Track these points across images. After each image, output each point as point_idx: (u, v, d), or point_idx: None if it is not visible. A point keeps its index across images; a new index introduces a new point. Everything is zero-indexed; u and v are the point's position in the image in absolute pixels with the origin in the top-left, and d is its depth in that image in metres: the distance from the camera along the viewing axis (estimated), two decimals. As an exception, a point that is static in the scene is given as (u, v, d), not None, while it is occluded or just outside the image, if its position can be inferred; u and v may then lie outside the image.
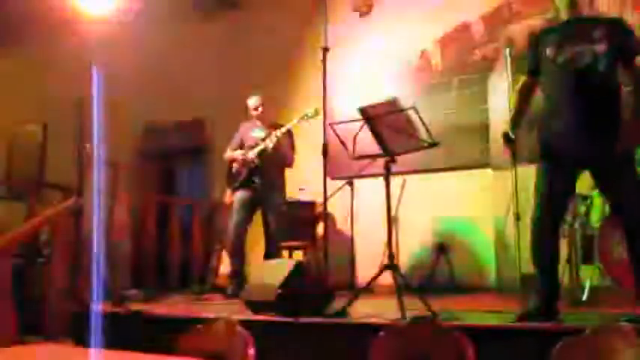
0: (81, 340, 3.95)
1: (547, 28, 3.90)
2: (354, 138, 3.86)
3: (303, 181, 6.29)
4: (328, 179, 6.66)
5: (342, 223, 6.54)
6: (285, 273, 3.93)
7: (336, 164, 6.56)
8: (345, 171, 6.48)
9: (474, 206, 5.76)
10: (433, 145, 3.77)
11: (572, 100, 3.44)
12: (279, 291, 3.85)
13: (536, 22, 6.00)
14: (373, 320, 3.56)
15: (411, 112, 3.68)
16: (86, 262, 4.95)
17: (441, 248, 5.95)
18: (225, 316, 2.91)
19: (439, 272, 5.90)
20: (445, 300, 4.65)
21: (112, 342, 3.09)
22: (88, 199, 5.16)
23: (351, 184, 6.07)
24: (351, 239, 6.24)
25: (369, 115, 3.73)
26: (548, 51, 3.51)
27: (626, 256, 3.86)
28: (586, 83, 3.41)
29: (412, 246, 6.14)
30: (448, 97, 6.27)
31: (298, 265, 4.02)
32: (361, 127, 3.81)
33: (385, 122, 3.70)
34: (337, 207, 6.43)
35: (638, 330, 2.78)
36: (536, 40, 3.67)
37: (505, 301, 4.70)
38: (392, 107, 3.72)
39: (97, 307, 4.10)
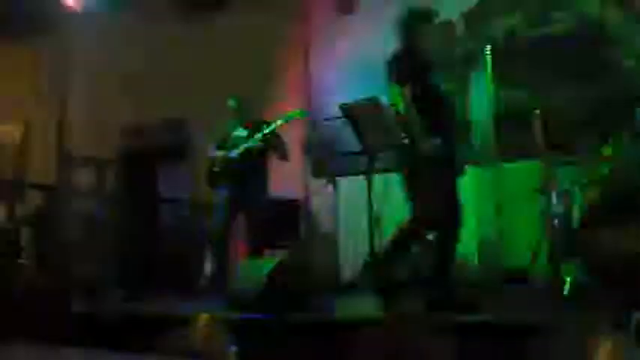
0: (62, 340, 3.92)
1: None
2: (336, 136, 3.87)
3: (286, 179, 6.29)
4: (312, 177, 6.84)
5: (326, 222, 6.54)
6: (268, 271, 3.93)
7: (320, 163, 6.63)
8: (329, 169, 6.52)
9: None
10: (411, 143, 3.78)
11: None
12: (263, 289, 3.85)
13: (517, 20, 6.05)
14: (357, 317, 3.58)
15: (391, 110, 3.69)
16: (67, 262, 4.94)
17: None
18: (207, 314, 2.92)
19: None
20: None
21: (92, 342, 3.08)
22: (68, 199, 5.14)
23: (334, 182, 6.06)
24: (336, 237, 6.24)
25: (351, 113, 3.73)
26: None
27: (608, 251, 3.95)
28: None
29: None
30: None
31: (281, 263, 4.02)
32: (343, 126, 3.82)
33: (366, 120, 3.71)
34: (321, 205, 6.45)
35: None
36: None
37: (488, 295, 4.74)
38: (373, 105, 3.72)
39: (79, 306, 4.08)
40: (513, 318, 3.41)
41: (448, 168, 3.98)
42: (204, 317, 2.78)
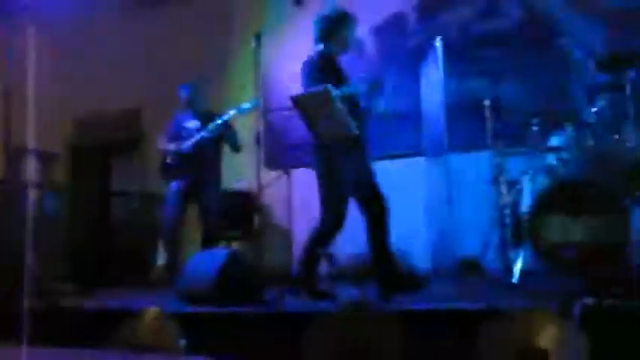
0: (7, 338, 3.83)
1: None
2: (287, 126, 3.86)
3: (239, 170, 6.24)
4: (265, 169, 6.81)
5: (280, 213, 6.53)
6: (220, 263, 3.90)
7: (273, 154, 6.62)
8: (282, 160, 6.51)
9: (409, 194, 5.81)
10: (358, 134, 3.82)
11: None
12: (214, 281, 3.82)
13: (468, 12, 6.12)
14: (307, 309, 3.58)
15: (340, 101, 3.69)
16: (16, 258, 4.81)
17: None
18: (155, 308, 2.88)
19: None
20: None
21: (39, 339, 3.00)
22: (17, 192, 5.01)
23: (288, 173, 6.07)
24: (290, 229, 6.24)
25: (301, 104, 3.72)
26: None
27: (557, 239, 4.05)
28: None
29: (352, 234, 6.15)
30: (385, 85, 6.31)
31: (233, 255, 3.99)
32: (293, 116, 3.81)
33: (316, 110, 3.70)
34: (275, 197, 6.43)
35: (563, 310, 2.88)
36: None
37: (440, 285, 4.81)
38: (323, 95, 3.72)
39: (25, 303, 3.98)
40: (464, 305, 3.45)
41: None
42: (152, 311, 2.74)
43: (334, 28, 4.46)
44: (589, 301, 3.01)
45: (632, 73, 4.67)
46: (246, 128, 5.56)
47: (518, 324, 2.63)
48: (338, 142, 3.93)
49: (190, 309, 3.83)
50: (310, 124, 3.75)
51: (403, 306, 3.57)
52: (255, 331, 3.48)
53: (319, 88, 3.77)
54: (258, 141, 4.31)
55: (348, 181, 4.19)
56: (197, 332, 3.32)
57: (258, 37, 4.48)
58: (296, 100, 3.72)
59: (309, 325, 2.74)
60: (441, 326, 3.23)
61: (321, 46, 4.44)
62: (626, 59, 4.87)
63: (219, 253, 4.29)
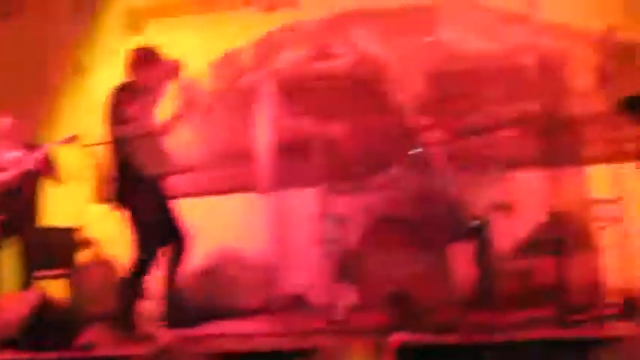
0: None
1: None
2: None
3: (65, 205, 5.93)
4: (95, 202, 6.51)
5: (107, 249, 6.25)
6: (29, 306, 3.65)
7: (103, 187, 6.34)
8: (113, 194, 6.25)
9: (240, 231, 5.79)
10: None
11: None
12: (22, 324, 3.56)
13: (302, 54, 6.29)
14: (115, 352, 3.43)
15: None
16: None
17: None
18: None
19: (218, 298, 5.82)
20: (215, 325, 4.66)
21: None
22: None
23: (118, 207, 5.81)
24: (116, 266, 5.98)
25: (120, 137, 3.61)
26: None
27: (379, 275, 4.21)
28: None
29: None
30: (217, 121, 6.30)
31: (43, 297, 3.75)
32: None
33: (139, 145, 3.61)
34: (103, 232, 6.15)
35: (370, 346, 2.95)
36: None
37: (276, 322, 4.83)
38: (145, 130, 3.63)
39: None
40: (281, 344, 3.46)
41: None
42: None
43: (138, 63, 4.39)
44: (404, 336, 3.11)
45: (449, 119, 5.02)
46: (72, 161, 5.31)
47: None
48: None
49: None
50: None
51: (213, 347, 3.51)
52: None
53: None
54: (78, 175, 4.11)
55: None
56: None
57: (80, 67, 4.30)
58: (115, 134, 3.60)
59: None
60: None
61: (126, 79, 4.38)
62: (444, 105, 5.20)
63: (29, 294, 4.01)
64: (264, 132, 4.91)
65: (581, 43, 5.49)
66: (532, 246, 4.63)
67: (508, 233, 4.66)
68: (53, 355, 3.42)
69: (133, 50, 4.44)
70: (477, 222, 4.70)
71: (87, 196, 6.41)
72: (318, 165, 5.01)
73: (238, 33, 6.45)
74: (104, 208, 5.78)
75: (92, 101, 6.59)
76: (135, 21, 6.84)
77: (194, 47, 6.49)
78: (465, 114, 5.08)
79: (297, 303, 5.32)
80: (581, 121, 4.52)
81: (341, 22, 6.26)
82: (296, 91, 6.06)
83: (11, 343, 3.65)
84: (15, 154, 5.32)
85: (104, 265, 6.08)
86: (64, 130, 5.45)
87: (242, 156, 5.94)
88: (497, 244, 4.55)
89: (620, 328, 3.34)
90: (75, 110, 4.44)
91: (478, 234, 4.66)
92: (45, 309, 3.74)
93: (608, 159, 3.74)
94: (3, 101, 5.93)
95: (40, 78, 6.65)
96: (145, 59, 4.42)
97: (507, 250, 4.70)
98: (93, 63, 6.60)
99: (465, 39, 5.89)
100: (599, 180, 4.19)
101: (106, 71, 6.73)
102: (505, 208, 4.64)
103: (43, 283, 5.69)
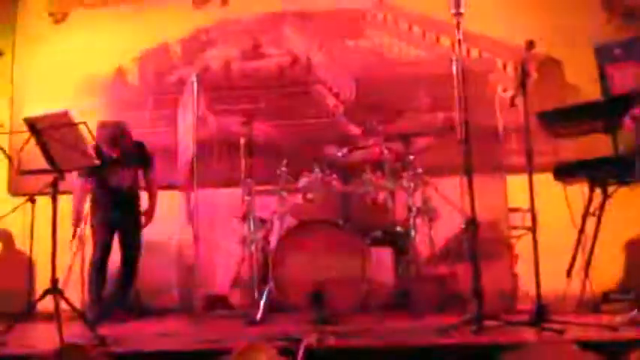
0: None
1: None
2: (21, 150, 3.58)
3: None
4: (9, 195, 6.27)
5: (20, 243, 6.04)
6: None
7: (19, 179, 6.12)
8: (29, 186, 6.04)
9: (161, 227, 5.68)
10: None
11: None
12: None
13: (232, 52, 6.24)
14: (23, 350, 3.29)
15: (82, 127, 3.51)
16: None
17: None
18: None
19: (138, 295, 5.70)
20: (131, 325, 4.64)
21: None
22: None
23: (33, 200, 5.61)
24: (30, 261, 5.77)
25: (36, 127, 3.47)
26: None
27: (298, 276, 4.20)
28: None
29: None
30: (143, 116, 6.18)
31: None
32: (27, 140, 3.54)
33: (54, 135, 3.48)
34: (17, 225, 5.93)
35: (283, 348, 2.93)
36: None
37: (185, 321, 4.76)
38: (62, 120, 3.51)
39: None
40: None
41: None
42: None
43: None
44: (313, 340, 3.10)
45: (375, 123, 5.06)
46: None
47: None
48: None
49: None
50: (45, 150, 3.51)
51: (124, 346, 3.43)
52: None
53: (59, 110, 3.56)
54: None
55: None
56: None
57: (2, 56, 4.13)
58: (30, 123, 3.46)
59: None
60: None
61: None
62: (370, 110, 5.25)
63: None
64: (189, 129, 4.82)
65: (503, 55, 5.66)
66: (450, 252, 4.72)
67: (428, 239, 4.73)
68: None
69: None
70: (398, 227, 4.76)
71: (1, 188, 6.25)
72: (243, 165, 4.97)
73: (167, 27, 6.34)
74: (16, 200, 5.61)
75: (9, 88, 6.41)
76: (59, 8, 6.64)
77: (120, 40, 6.36)
78: (390, 119, 5.13)
79: (217, 303, 5.25)
80: (502, 132, 4.64)
81: (272, 22, 6.24)
82: (224, 89, 6.01)
83: None
84: None
85: (17, 259, 5.88)
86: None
87: (166, 152, 5.85)
88: (417, 249, 4.61)
89: (531, 334, 3.43)
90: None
91: (399, 239, 4.72)
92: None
93: (525, 169, 3.86)
94: None
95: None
96: None
97: (426, 255, 4.77)
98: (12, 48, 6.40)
99: (393, 45, 5.97)
100: (516, 190, 4.30)
101: (28, 58, 6.53)
102: (426, 214, 4.70)
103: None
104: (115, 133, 4.99)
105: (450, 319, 3.65)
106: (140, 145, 5.21)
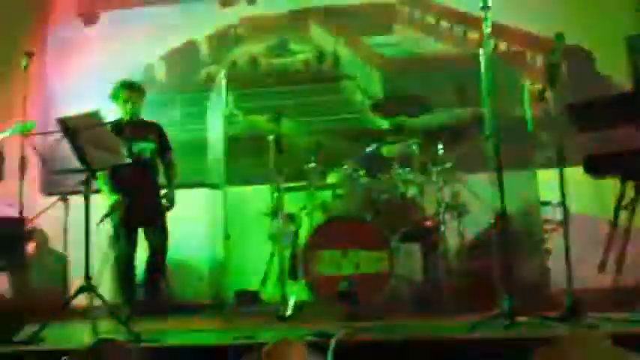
0: None
1: None
2: (53, 151, 3.64)
3: (11, 196, 5.79)
4: (41, 195, 6.38)
5: (54, 241, 6.13)
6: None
7: (50, 179, 6.24)
8: (61, 186, 6.15)
9: (191, 225, 5.73)
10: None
11: None
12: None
13: (259, 48, 6.26)
14: (59, 345, 3.35)
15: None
16: None
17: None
18: None
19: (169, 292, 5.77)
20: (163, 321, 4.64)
21: None
22: None
23: (65, 199, 5.72)
24: (64, 258, 5.87)
25: (68, 127, 3.53)
26: None
27: (328, 272, 4.21)
28: None
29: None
30: (171, 114, 6.24)
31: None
32: (60, 140, 3.61)
33: (85, 135, 3.53)
34: (51, 224, 6.03)
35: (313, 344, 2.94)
36: None
37: (216, 317, 4.80)
38: (93, 119, 3.56)
39: None
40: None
41: None
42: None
43: None
44: (344, 335, 3.11)
45: (404, 118, 5.04)
46: (18, 152, 5.19)
47: (272, 358, 2.65)
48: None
49: None
50: (77, 149, 3.57)
51: (157, 342, 3.47)
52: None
53: (90, 110, 3.61)
54: (21, 166, 4.02)
55: None
56: None
57: (29, 56, 4.20)
58: (63, 123, 3.52)
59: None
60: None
61: None
62: (399, 105, 5.23)
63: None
64: (218, 126, 4.86)
65: (533, 48, 5.60)
66: (480, 247, 4.69)
67: (457, 234, 4.71)
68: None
69: None
70: (427, 222, 4.74)
71: (33, 187, 6.34)
72: (272, 161, 4.99)
73: (195, 25, 6.39)
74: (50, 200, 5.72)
75: (38, 91, 6.50)
76: (88, 9, 6.72)
77: (149, 39, 6.42)
78: (419, 114, 5.11)
79: (247, 299, 5.30)
80: (531, 125, 4.60)
81: (299, 18, 6.25)
82: (252, 86, 6.05)
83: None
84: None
85: (52, 256, 5.98)
86: (8, 119, 5.29)
87: (196, 149, 5.91)
88: (447, 244, 4.60)
89: (564, 329, 3.40)
90: (21, 100, 4.31)
91: (428, 234, 4.71)
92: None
93: (556, 163, 3.81)
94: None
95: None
96: None
97: (456, 250, 4.75)
98: (43, 50, 6.49)
99: (420, 39, 5.94)
100: (547, 184, 4.26)
101: (58, 58, 6.63)
102: (455, 209, 4.68)
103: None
104: None
105: (481, 315, 3.62)
106: None
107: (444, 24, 5.96)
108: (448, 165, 4.67)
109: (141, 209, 4.91)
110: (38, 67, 6.58)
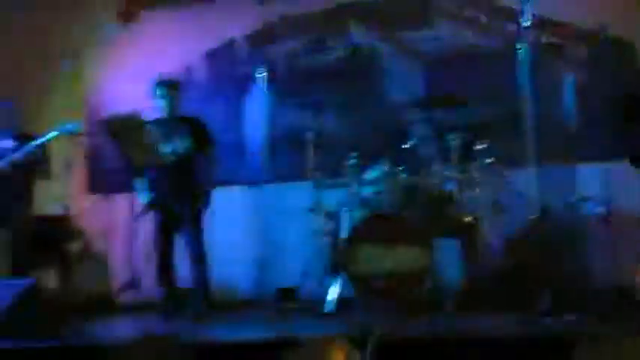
0: None
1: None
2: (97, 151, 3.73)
3: (56, 195, 5.93)
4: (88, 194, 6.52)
5: (99, 239, 6.28)
6: (13, 294, 3.65)
7: (95, 178, 6.38)
8: (105, 185, 6.28)
9: (232, 222, 5.79)
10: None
11: None
12: (5, 314, 3.56)
13: (297, 46, 6.28)
14: (104, 340, 3.43)
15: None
16: None
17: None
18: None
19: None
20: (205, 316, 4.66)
21: None
22: None
23: (108, 198, 5.87)
24: (109, 255, 6.01)
25: (111, 128, 3.61)
26: None
27: (368, 269, 4.21)
28: None
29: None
30: (211, 113, 6.29)
31: (29, 286, 3.75)
32: (104, 141, 3.69)
33: (127, 136, 3.61)
34: (96, 222, 6.18)
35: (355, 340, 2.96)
36: None
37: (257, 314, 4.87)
38: (135, 120, 3.63)
39: None
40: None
41: None
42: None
43: None
44: (383, 331, 3.11)
45: (443, 114, 5.02)
46: (63, 152, 5.31)
47: (313, 353, 2.68)
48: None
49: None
50: (120, 149, 3.65)
51: (205, 337, 3.52)
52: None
53: (131, 111, 3.69)
54: (67, 166, 4.11)
55: None
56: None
57: (75, 59, 4.29)
58: (105, 124, 3.60)
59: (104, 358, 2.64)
60: (235, 357, 3.22)
61: None
62: (438, 100, 5.21)
63: (14, 283, 4.01)
64: (257, 124, 4.90)
65: (574, 39, 5.49)
66: (522, 243, 4.64)
67: (497, 230, 4.67)
68: (40, 343, 3.42)
69: None
70: (467, 218, 4.71)
71: (78, 186, 6.48)
72: (311, 158, 5.00)
73: (233, 24, 6.44)
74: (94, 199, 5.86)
75: (83, 91, 6.63)
76: (128, 11, 6.83)
77: (187, 38, 6.49)
78: (458, 110, 5.07)
79: (288, 295, 5.33)
80: (572, 119, 4.53)
81: (336, 14, 6.24)
82: (290, 83, 6.07)
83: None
84: (10, 142, 5.30)
85: (93, 254, 6.11)
86: (54, 119, 5.41)
87: (236, 148, 5.96)
88: (486, 241, 4.56)
89: (608, 326, 3.35)
90: (66, 100, 4.41)
91: (468, 230, 4.67)
92: (33, 297, 3.74)
93: (599, 157, 3.74)
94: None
95: (31, 67, 6.64)
96: None
97: (496, 247, 4.71)
98: (86, 53, 6.61)
99: (459, 33, 5.89)
100: (590, 178, 4.20)
101: (100, 59, 6.74)
102: (495, 205, 4.64)
103: (34, 273, 5.72)
104: None
105: (523, 312, 3.59)
106: None
107: (483, 17, 5.89)
108: (488, 160, 4.63)
109: (171, 210, 4.85)
110: (81, 69, 6.73)
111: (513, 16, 5.24)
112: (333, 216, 5.01)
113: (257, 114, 4.91)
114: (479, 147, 4.66)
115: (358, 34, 6.19)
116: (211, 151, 4.99)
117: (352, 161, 4.92)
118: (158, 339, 2.91)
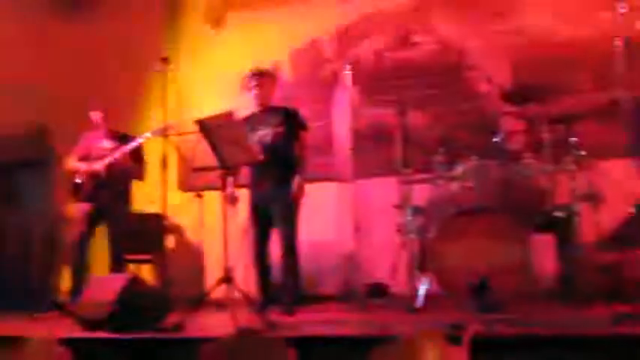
0: None
1: None
2: (192, 150, 3.86)
3: (152, 193, 6.15)
4: (179, 191, 6.74)
5: (192, 236, 6.48)
6: (119, 288, 3.82)
7: (187, 176, 6.58)
8: (197, 183, 6.46)
9: (321, 218, 5.85)
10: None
11: None
12: (111, 306, 3.73)
13: (382, 42, 6.28)
14: (200, 334, 3.54)
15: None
16: None
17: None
18: (45, 334, 2.80)
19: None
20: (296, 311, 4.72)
21: None
22: None
23: (200, 195, 6.04)
24: (201, 251, 6.19)
25: (205, 127, 3.73)
26: None
27: (458, 265, 4.17)
28: None
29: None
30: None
31: (133, 280, 3.92)
32: (198, 140, 3.81)
33: (221, 134, 3.71)
34: (188, 219, 6.38)
35: (449, 336, 2.95)
36: None
37: (349, 309, 4.88)
38: (228, 120, 3.73)
39: None
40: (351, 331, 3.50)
41: None
42: (39, 337, 2.66)
43: None
44: (479, 327, 3.09)
45: (533, 107, 4.90)
46: (158, 151, 5.50)
47: (407, 349, 2.68)
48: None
49: (83, 334, 3.72)
50: (214, 148, 3.75)
51: (294, 332, 3.58)
52: (149, 356, 3.41)
53: (224, 111, 3.79)
54: (163, 164, 4.28)
55: None
56: (90, 358, 3.24)
57: (165, 61, 4.46)
58: (199, 124, 3.72)
59: (205, 350, 2.72)
60: (329, 351, 3.25)
61: None
62: (529, 93, 5.09)
63: (119, 277, 4.20)
64: (344, 121, 4.94)
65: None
66: (619, 238, 4.49)
67: (594, 225, 4.53)
68: (140, 336, 3.55)
69: None
70: (561, 212, 4.59)
71: (173, 184, 6.69)
72: (398, 154, 4.99)
73: (318, 23, 6.50)
74: (188, 196, 6.05)
75: (175, 93, 6.84)
76: (215, 14, 7.00)
77: (273, 38, 6.60)
78: (550, 102, 4.95)
79: (376, 291, 5.35)
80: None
81: (421, 10, 6.20)
82: (376, 80, 6.07)
83: (101, 324, 3.81)
84: (107, 142, 5.55)
85: (189, 250, 6.31)
86: (150, 121, 5.62)
87: (322, 145, 6.02)
88: (582, 235, 4.43)
89: None
90: (159, 103, 4.58)
91: (562, 225, 4.56)
92: (133, 292, 3.89)
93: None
94: (93, 94, 6.18)
95: (126, 72, 6.91)
96: None
97: (592, 242, 4.57)
98: (176, 56, 6.82)
99: (550, 25, 5.73)
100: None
101: (191, 62, 6.95)
102: (591, 198, 4.51)
103: (133, 267, 5.97)
104: None
105: (622, 309, 3.48)
106: None
107: (574, 6, 5.71)
108: (582, 152, 4.50)
109: (266, 205, 4.89)
110: (173, 71, 6.95)
111: (608, 4, 5.06)
112: (420, 211, 4.99)
113: (344, 111, 4.93)
114: (572, 139, 4.54)
115: (444, 27, 6.13)
116: (301, 136, 4.94)
117: (439, 156, 4.88)
118: (253, 333, 2.98)
